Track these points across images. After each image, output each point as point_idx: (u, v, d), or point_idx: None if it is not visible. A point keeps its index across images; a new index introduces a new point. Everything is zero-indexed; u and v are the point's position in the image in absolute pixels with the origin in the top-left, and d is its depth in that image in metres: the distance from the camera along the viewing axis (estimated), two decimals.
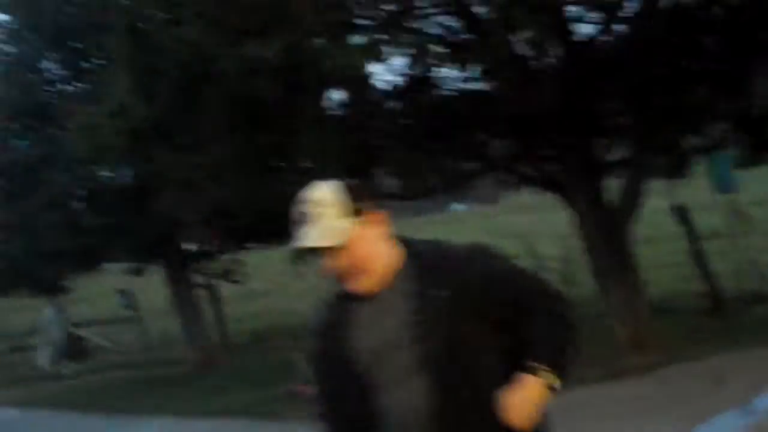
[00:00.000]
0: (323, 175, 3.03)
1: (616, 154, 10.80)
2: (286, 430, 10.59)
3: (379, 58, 8.39)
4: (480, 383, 2.68)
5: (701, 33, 9.53)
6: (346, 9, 8.48)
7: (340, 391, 2.79)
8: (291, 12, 7.60)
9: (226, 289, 18.76)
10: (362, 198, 2.76)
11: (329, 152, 8.75)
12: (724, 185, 10.52)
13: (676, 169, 11.63)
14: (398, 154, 10.14)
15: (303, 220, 2.73)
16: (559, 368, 2.68)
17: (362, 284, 2.73)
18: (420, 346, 2.65)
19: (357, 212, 2.73)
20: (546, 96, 9.32)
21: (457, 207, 39.94)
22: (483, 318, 2.68)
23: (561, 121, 9.71)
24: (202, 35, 8.00)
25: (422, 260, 2.75)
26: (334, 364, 2.80)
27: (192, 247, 16.80)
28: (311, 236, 2.69)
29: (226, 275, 17.56)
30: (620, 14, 9.51)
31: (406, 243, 2.82)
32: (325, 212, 2.70)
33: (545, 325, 2.71)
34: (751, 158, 10.82)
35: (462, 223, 33.42)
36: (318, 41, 7.66)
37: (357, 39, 8.37)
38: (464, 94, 10.31)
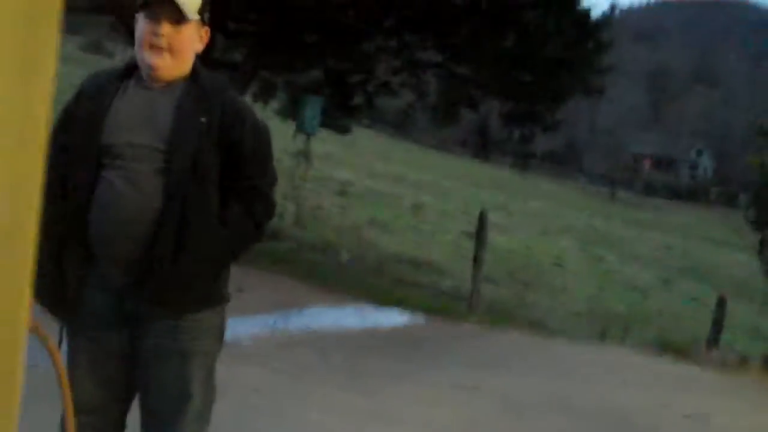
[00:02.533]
0: None
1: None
2: None
3: None
4: (207, 205, 2.83)
5: None
6: None
7: (76, 152, 2.84)
8: None
9: None
10: (208, 9, 2.91)
11: None
12: (306, 125, 11.22)
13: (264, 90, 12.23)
14: None
15: None
16: (231, 255, 2.97)
17: (161, 64, 2.83)
18: (166, 154, 2.79)
19: (201, 13, 2.88)
20: None
21: None
22: (218, 154, 2.86)
23: None
24: None
25: (202, 83, 2.90)
26: (83, 126, 2.85)
27: None
28: None
29: None
30: None
31: (199, 66, 2.95)
32: None
33: (243, 217, 2.91)
34: (334, 116, 11.72)
35: None
36: None
37: None
38: None
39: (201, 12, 2.88)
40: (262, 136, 2.99)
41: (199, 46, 2.93)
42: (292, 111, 12.51)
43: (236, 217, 2.89)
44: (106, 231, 2.79)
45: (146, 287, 2.79)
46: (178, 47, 2.83)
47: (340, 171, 24.65)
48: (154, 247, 2.76)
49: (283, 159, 13.05)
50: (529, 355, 8.85)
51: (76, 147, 2.85)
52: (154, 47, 2.82)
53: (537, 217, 29.83)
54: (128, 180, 2.78)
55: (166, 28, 2.81)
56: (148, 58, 2.84)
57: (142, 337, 2.87)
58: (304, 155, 11.81)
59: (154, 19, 2.81)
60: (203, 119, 2.82)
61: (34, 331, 2.55)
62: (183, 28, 2.83)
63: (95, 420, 2.87)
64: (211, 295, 2.94)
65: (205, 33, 2.94)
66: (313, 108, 11.01)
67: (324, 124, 12.25)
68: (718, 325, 10.97)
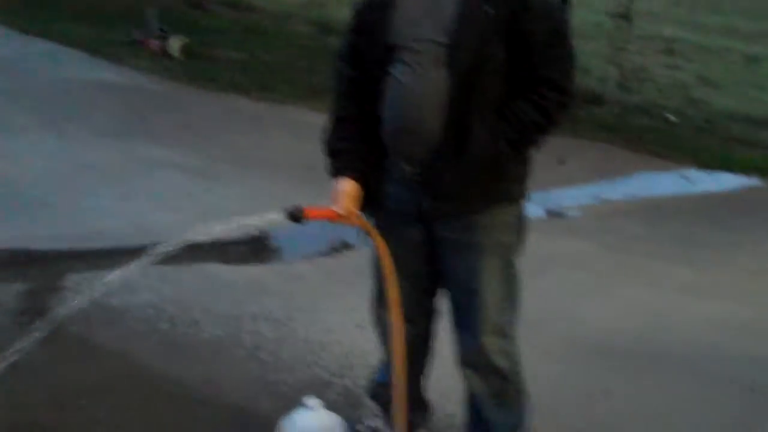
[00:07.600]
0: None
1: None
2: (123, 73, 10.35)
3: None
4: (490, 100, 2.75)
5: None
6: None
7: (367, 51, 2.89)
8: None
9: None
10: None
11: None
12: None
13: None
14: None
15: None
16: (515, 149, 2.79)
17: None
18: (451, 49, 2.72)
19: None
20: None
21: None
22: (505, 45, 2.72)
23: None
24: None
25: None
26: (371, 26, 2.87)
27: None
28: None
29: None
30: None
31: None
32: None
33: (529, 108, 2.76)
34: None
35: None
36: None
37: None
38: None
39: None
40: (554, 23, 2.79)
41: None
42: None
43: (521, 110, 2.75)
44: (394, 126, 2.82)
45: (431, 184, 2.81)
46: None
47: (665, 28, 23.30)
48: (437, 144, 2.75)
49: (604, 21, 12.52)
50: None
51: (367, 46, 2.88)
52: None
53: None
54: (414, 76, 2.76)
55: None
56: None
57: (436, 231, 2.91)
58: (625, 16, 11.22)
59: None
60: (488, 9, 2.68)
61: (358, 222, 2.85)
62: None
63: (405, 311, 2.92)
64: (501, 192, 2.86)
65: None
66: None
67: None
68: None
